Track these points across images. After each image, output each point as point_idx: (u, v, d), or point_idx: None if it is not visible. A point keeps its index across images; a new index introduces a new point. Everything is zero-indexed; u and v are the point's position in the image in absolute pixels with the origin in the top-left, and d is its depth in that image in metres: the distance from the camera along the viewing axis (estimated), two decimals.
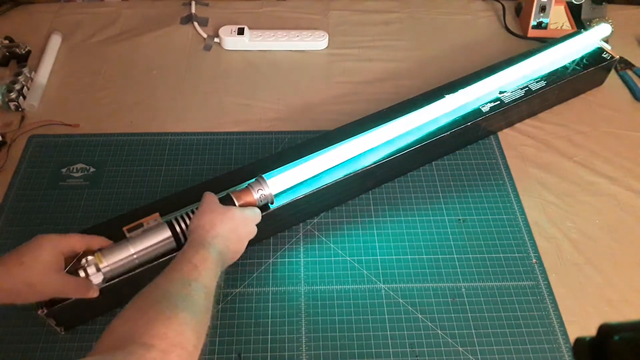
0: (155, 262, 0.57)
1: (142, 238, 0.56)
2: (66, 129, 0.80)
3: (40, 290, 0.48)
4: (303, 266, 0.66)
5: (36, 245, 0.49)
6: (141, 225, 0.59)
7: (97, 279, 0.53)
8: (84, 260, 0.53)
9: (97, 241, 0.54)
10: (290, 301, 0.63)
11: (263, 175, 0.61)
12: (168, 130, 0.80)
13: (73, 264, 0.53)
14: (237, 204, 0.58)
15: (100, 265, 0.53)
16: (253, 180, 0.61)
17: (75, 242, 0.52)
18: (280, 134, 0.80)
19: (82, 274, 0.53)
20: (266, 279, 0.65)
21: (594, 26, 0.95)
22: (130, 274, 0.57)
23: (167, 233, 0.56)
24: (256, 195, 0.60)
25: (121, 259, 0.55)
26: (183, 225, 0.57)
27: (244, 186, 0.61)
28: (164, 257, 0.58)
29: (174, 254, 0.52)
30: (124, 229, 0.59)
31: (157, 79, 0.88)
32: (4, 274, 0.46)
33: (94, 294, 0.53)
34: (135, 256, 0.55)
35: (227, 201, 0.58)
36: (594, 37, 0.83)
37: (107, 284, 0.56)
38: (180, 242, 0.57)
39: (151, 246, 0.56)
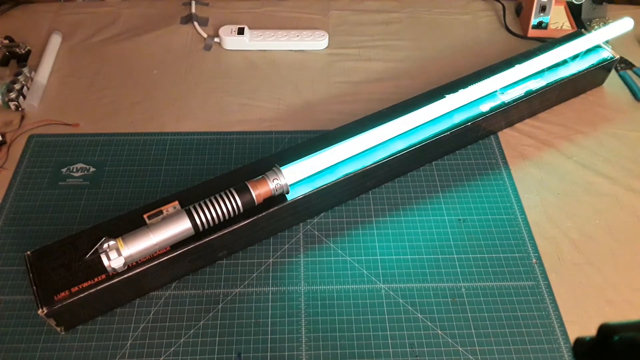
0: (167, 257, 0.59)
1: (162, 225, 0.58)
2: (66, 129, 0.80)
3: None
4: (303, 266, 0.66)
5: None
6: (161, 212, 0.61)
7: (118, 263, 0.55)
8: (105, 245, 0.55)
9: None
10: (290, 301, 0.63)
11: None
12: (168, 130, 0.80)
13: (95, 248, 0.55)
14: (253, 193, 0.60)
15: (122, 250, 0.55)
16: (269, 170, 0.62)
17: None
18: (280, 134, 0.80)
19: (104, 258, 0.55)
20: (266, 279, 0.65)
21: (594, 26, 0.95)
22: (126, 275, 0.57)
23: (186, 220, 0.58)
24: (272, 184, 0.61)
25: (142, 245, 0.56)
26: (201, 213, 0.58)
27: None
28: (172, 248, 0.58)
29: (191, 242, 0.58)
30: (145, 215, 0.60)
31: (157, 79, 0.88)
32: None
33: None
34: (155, 242, 0.57)
35: (243, 190, 0.60)
36: (614, 34, 0.83)
37: (110, 282, 0.56)
38: (198, 229, 0.59)
39: (171, 233, 0.58)
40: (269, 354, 0.59)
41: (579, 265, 0.66)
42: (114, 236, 0.56)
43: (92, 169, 0.75)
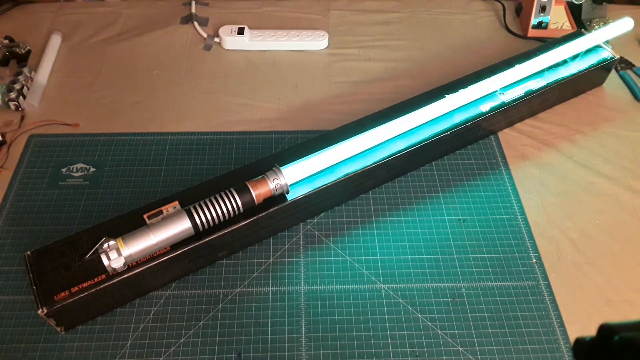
0: (167, 257, 0.59)
1: (162, 225, 0.58)
2: (66, 129, 0.80)
3: None
4: (303, 266, 0.66)
5: None
6: (161, 212, 0.61)
7: (118, 263, 0.55)
8: (105, 245, 0.55)
9: None
10: (290, 301, 0.63)
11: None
12: (168, 130, 0.80)
13: (95, 248, 0.55)
14: (253, 193, 0.60)
15: (122, 250, 0.55)
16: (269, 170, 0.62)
17: None
18: (280, 134, 0.80)
19: (104, 258, 0.55)
20: (266, 279, 0.65)
21: (594, 26, 0.95)
22: (126, 275, 0.57)
23: (186, 220, 0.58)
24: (272, 185, 0.61)
25: (142, 245, 0.56)
26: (201, 213, 0.58)
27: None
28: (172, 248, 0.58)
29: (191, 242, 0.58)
30: (144, 215, 0.60)
31: (157, 78, 0.88)
32: None
33: None
34: (155, 242, 0.57)
35: (243, 190, 0.60)
36: (614, 34, 0.83)
37: (110, 282, 0.56)
38: (198, 229, 0.59)
39: (171, 233, 0.58)
40: (269, 354, 0.59)
41: (579, 265, 0.66)
42: (114, 236, 0.57)
43: (92, 169, 0.75)
